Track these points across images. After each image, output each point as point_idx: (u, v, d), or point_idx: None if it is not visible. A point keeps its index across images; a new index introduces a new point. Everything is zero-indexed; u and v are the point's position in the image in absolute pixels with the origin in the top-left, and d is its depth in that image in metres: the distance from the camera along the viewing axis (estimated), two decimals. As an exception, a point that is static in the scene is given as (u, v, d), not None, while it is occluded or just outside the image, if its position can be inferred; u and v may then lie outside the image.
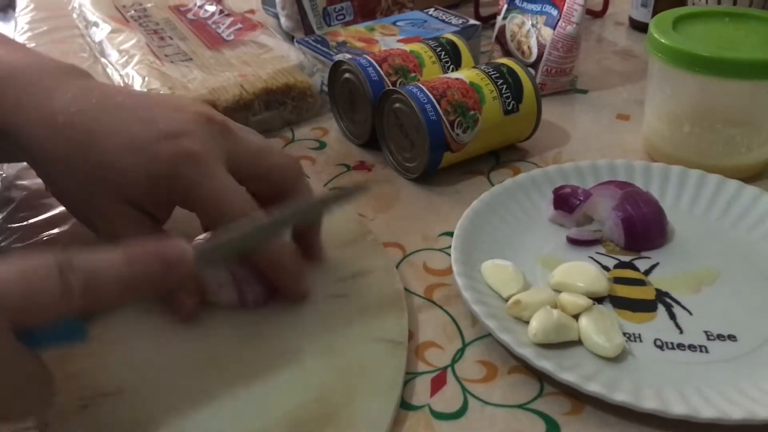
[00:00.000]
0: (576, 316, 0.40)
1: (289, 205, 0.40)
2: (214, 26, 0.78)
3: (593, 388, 0.35)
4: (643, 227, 0.47)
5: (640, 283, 0.45)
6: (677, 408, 0.34)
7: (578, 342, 0.39)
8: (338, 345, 0.39)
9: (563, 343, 0.39)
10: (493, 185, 0.52)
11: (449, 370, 0.39)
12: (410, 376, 0.39)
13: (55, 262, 0.28)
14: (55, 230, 0.51)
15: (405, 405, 0.37)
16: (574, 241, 0.48)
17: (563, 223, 0.49)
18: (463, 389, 0.38)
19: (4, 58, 0.43)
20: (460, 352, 0.40)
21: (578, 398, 0.37)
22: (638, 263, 0.46)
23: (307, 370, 0.38)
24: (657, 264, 0.46)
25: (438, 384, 0.38)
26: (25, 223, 0.52)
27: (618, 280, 0.45)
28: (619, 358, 0.38)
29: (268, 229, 0.38)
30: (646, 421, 0.35)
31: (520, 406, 0.37)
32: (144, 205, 0.40)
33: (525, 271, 0.44)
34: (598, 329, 0.39)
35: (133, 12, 0.82)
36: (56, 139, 0.39)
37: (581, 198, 0.49)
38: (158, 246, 0.32)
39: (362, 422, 0.35)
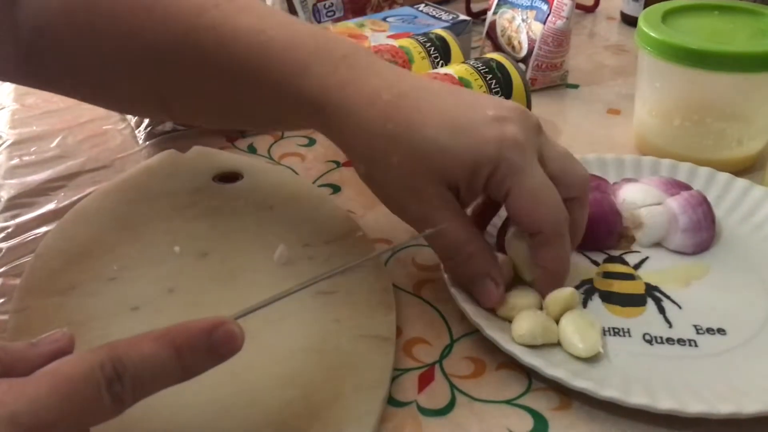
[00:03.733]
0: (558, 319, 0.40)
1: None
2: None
3: (581, 384, 0.35)
4: (589, 227, 0.44)
5: (629, 277, 0.44)
6: (665, 403, 0.34)
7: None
8: (326, 341, 0.39)
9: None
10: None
11: (437, 366, 0.39)
12: (398, 373, 0.39)
13: (101, 375, 0.26)
14: (43, 228, 0.51)
15: (392, 401, 0.37)
16: None
17: None
18: (451, 385, 0.38)
19: (293, 34, 0.42)
20: (449, 348, 0.40)
21: (566, 394, 0.37)
22: (628, 257, 0.46)
23: (294, 366, 0.38)
24: (646, 258, 0.46)
25: (426, 380, 0.38)
26: (13, 222, 0.52)
27: (607, 275, 0.45)
28: (607, 354, 0.38)
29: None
30: (635, 415, 0.35)
31: (508, 402, 0.37)
32: (460, 188, 0.39)
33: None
34: (576, 329, 0.38)
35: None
36: (380, 118, 0.38)
37: None
38: (205, 331, 0.29)
39: (349, 419, 0.35)
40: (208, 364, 0.29)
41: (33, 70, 0.47)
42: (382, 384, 0.37)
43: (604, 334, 0.40)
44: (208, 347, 0.29)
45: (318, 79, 0.40)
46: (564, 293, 0.39)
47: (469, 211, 0.43)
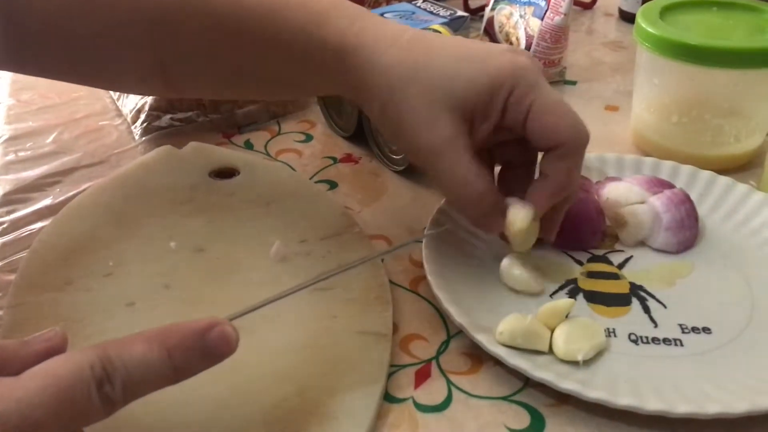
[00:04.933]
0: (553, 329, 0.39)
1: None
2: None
3: (568, 385, 0.35)
4: (572, 226, 0.45)
5: (613, 276, 0.44)
6: (652, 404, 0.34)
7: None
8: (322, 337, 0.39)
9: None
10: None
11: (434, 362, 0.39)
12: (394, 369, 0.38)
13: (91, 376, 0.26)
14: (39, 224, 0.51)
15: (389, 398, 0.37)
16: None
17: None
18: (448, 381, 0.38)
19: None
20: (445, 345, 0.40)
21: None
22: (612, 257, 0.46)
23: (291, 362, 0.37)
24: (631, 257, 0.46)
25: (422, 376, 0.38)
26: (8, 217, 0.52)
27: (591, 275, 0.44)
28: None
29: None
30: (629, 410, 0.35)
31: (504, 398, 0.37)
32: (475, 118, 0.39)
33: (498, 267, 0.44)
34: (567, 333, 0.38)
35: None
36: (402, 52, 0.40)
37: None
38: (198, 332, 0.28)
39: (345, 415, 0.34)
40: (201, 366, 0.29)
41: (24, 52, 0.44)
42: (378, 380, 0.37)
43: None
44: (202, 349, 0.29)
45: (337, 29, 0.41)
46: (560, 303, 0.39)
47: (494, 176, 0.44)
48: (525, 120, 0.38)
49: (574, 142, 0.39)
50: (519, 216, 0.40)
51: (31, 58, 0.45)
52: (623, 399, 0.34)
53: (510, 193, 0.42)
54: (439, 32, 0.63)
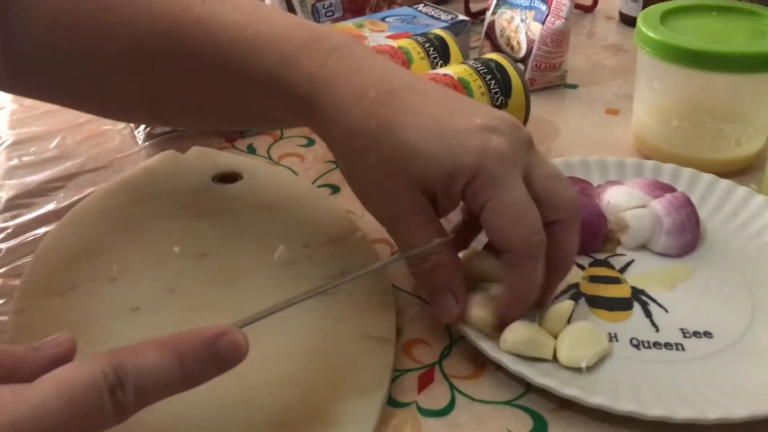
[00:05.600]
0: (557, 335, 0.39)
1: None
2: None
3: (570, 391, 0.35)
4: None
5: (615, 281, 0.44)
6: (654, 410, 0.34)
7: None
8: (325, 342, 0.39)
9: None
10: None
11: (437, 367, 0.39)
12: (398, 373, 0.39)
13: (104, 383, 0.26)
14: (43, 229, 0.51)
15: (392, 402, 0.37)
16: None
17: None
18: (451, 386, 0.38)
19: (279, 29, 0.41)
20: (448, 349, 0.40)
21: (566, 394, 0.37)
22: (613, 261, 0.46)
23: (294, 367, 0.38)
24: (632, 261, 0.46)
25: (426, 381, 0.38)
26: (12, 222, 0.52)
27: (593, 279, 0.44)
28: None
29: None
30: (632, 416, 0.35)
31: (507, 403, 0.37)
32: (436, 196, 0.38)
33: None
34: (570, 338, 0.38)
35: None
36: (364, 115, 0.37)
37: None
38: (209, 340, 0.29)
39: (349, 420, 0.35)
40: (212, 373, 0.29)
41: (21, 75, 0.46)
42: (381, 385, 0.37)
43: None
44: (213, 356, 0.29)
45: (306, 72, 0.39)
46: (561, 307, 0.39)
47: (449, 228, 0.42)
48: (480, 214, 0.37)
49: (522, 251, 0.36)
50: (473, 313, 0.39)
51: (30, 78, 0.46)
52: (625, 405, 0.34)
53: (467, 242, 0.42)
54: (442, 37, 0.63)
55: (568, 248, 0.39)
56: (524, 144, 0.37)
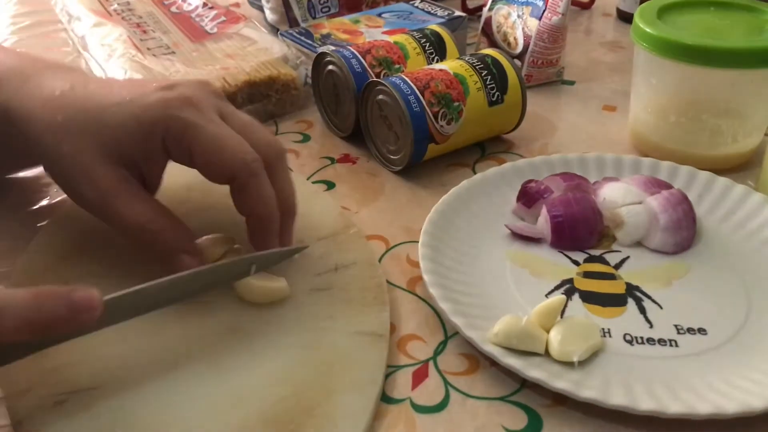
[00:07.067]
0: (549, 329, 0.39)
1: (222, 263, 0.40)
2: (197, 19, 0.77)
3: (561, 385, 0.35)
4: (570, 227, 0.46)
5: (610, 277, 0.44)
6: (645, 404, 0.34)
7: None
8: (319, 338, 0.39)
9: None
10: (477, 177, 0.52)
11: (431, 363, 0.39)
12: (392, 370, 0.38)
13: None
14: (36, 224, 0.51)
15: (386, 398, 0.37)
16: (513, 234, 0.47)
17: (524, 217, 0.49)
18: (445, 382, 0.38)
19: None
20: (442, 345, 0.40)
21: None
22: (608, 257, 0.46)
23: (287, 363, 0.37)
24: (627, 258, 0.46)
25: (420, 377, 0.38)
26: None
27: (588, 275, 0.44)
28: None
29: (190, 280, 0.38)
30: (622, 411, 0.35)
31: (502, 399, 0.37)
32: (137, 161, 0.39)
33: (493, 267, 0.44)
34: (563, 333, 0.38)
35: (116, 5, 0.82)
36: (52, 112, 0.39)
37: (542, 193, 0.48)
38: (68, 290, 0.31)
39: (342, 416, 0.34)
40: (65, 317, 0.31)
41: None
42: (375, 381, 0.36)
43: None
44: (66, 302, 0.31)
45: (7, 94, 0.41)
46: (554, 301, 0.39)
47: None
48: (192, 161, 0.38)
49: (244, 170, 0.38)
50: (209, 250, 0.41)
51: None
52: (616, 399, 0.34)
53: None
54: (438, 33, 0.63)
55: (283, 186, 0.41)
56: (212, 93, 0.39)
